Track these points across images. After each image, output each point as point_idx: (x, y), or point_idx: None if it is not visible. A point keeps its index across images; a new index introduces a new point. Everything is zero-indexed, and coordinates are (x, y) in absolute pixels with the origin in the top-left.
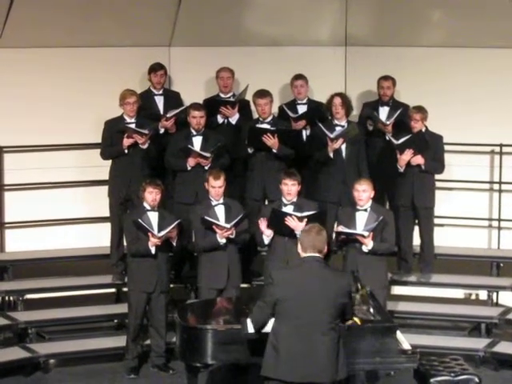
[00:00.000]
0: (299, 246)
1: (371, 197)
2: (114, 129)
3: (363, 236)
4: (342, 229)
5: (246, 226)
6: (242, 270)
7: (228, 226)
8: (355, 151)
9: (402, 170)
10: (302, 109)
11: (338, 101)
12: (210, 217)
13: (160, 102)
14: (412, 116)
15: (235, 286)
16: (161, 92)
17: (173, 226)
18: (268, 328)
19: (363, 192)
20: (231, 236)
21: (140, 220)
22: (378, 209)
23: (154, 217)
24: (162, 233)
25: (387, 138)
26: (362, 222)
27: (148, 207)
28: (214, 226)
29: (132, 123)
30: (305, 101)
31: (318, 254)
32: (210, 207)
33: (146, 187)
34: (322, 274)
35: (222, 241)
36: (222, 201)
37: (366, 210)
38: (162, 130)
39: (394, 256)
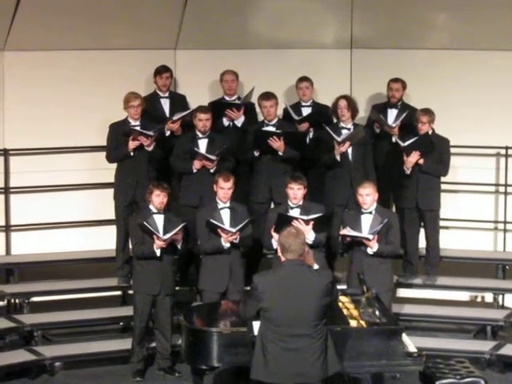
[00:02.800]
0: (279, 250)
1: (375, 199)
2: (118, 132)
3: (368, 239)
4: (347, 231)
5: (250, 231)
6: (248, 273)
7: (233, 230)
8: (362, 154)
9: (408, 172)
10: (306, 111)
11: (343, 103)
12: (215, 220)
13: (166, 104)
14: (419, 119)
15: (238, 289)
16: (167, 95)
17: (178, 228)
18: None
19: (367, 196)
20: (235, 241)
21: (145, 223)
22: (383, 211)
23: (159, 219)
24: (168, 235)
25: (394, 140)
26: (367, 224)
27: (154, 210)
28: (218, 230)
29: (137, 126)
30: (309, 103)
31: (298, 257)
32: (216, 210)
33: (153, 190)
34: (303, 278)
35: (226, 245)
36: (228, 204)
37: (370, 212)
38: (168, 133)
39: (399, 258)
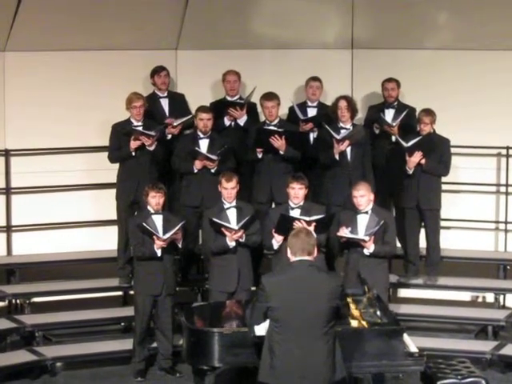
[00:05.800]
0: (288, 250)
1: (371, 200)
2: (120, 132)
3: (364, 241)
4: (343, 233)
5: (258, 227)
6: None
7: (236, 227)
8: (360, 153)
9: (410, 172)
10: (311, 111)
11: (343, 104)
12: (221, 220)
13: (165, 104)
14: (421, 119)
15: (246, 288)
16: (165, 94)
17: (177, 227)
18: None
19: (361, 197)
20: (241, 240)
21: (144, 223)
22: (379, 211)
23: (158, 220)
24: (167, 235)
25: (393, 139)
26: (363, 224)
27: (152, 210)
28: (222, 229)
29: (139, 126)
30: (315, 104)
31: (307, 258)
32: (222, 210)
33: (148, 191)
34: (312, 279)
35: (232, 244)
36: (234, 204)
37: (366, 212)
38: (169, 136)
39: (398, 258)
